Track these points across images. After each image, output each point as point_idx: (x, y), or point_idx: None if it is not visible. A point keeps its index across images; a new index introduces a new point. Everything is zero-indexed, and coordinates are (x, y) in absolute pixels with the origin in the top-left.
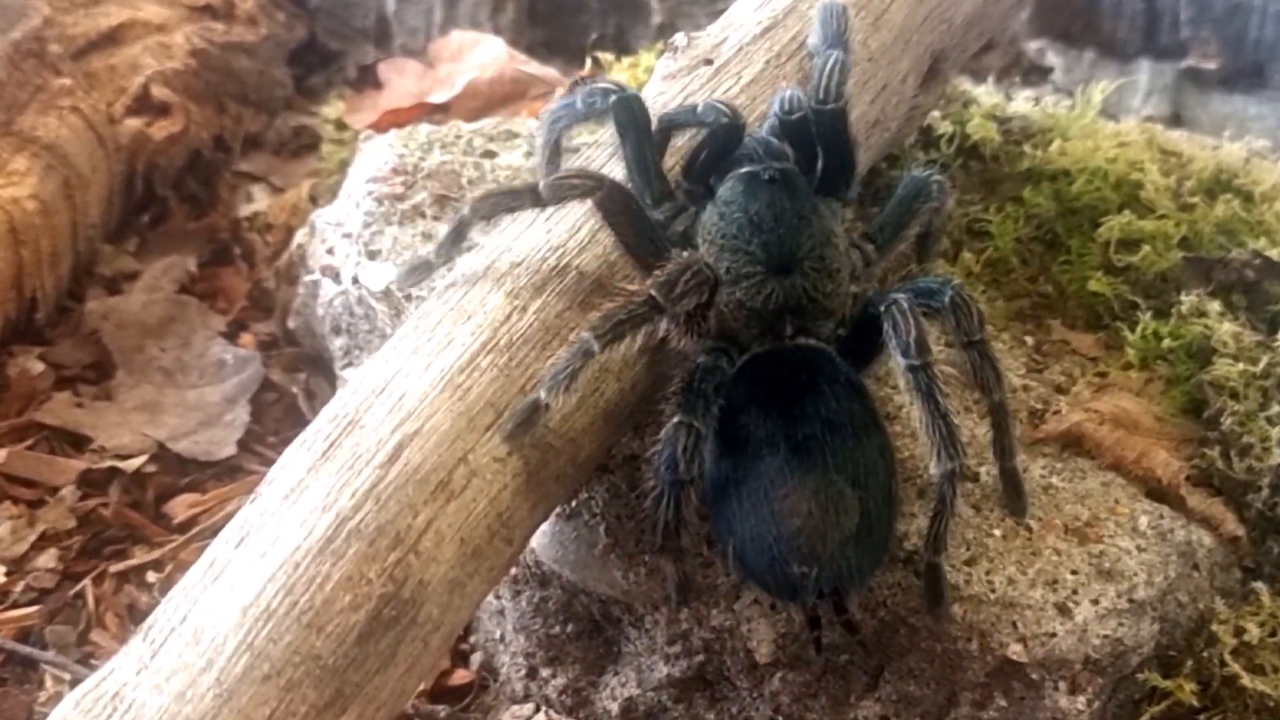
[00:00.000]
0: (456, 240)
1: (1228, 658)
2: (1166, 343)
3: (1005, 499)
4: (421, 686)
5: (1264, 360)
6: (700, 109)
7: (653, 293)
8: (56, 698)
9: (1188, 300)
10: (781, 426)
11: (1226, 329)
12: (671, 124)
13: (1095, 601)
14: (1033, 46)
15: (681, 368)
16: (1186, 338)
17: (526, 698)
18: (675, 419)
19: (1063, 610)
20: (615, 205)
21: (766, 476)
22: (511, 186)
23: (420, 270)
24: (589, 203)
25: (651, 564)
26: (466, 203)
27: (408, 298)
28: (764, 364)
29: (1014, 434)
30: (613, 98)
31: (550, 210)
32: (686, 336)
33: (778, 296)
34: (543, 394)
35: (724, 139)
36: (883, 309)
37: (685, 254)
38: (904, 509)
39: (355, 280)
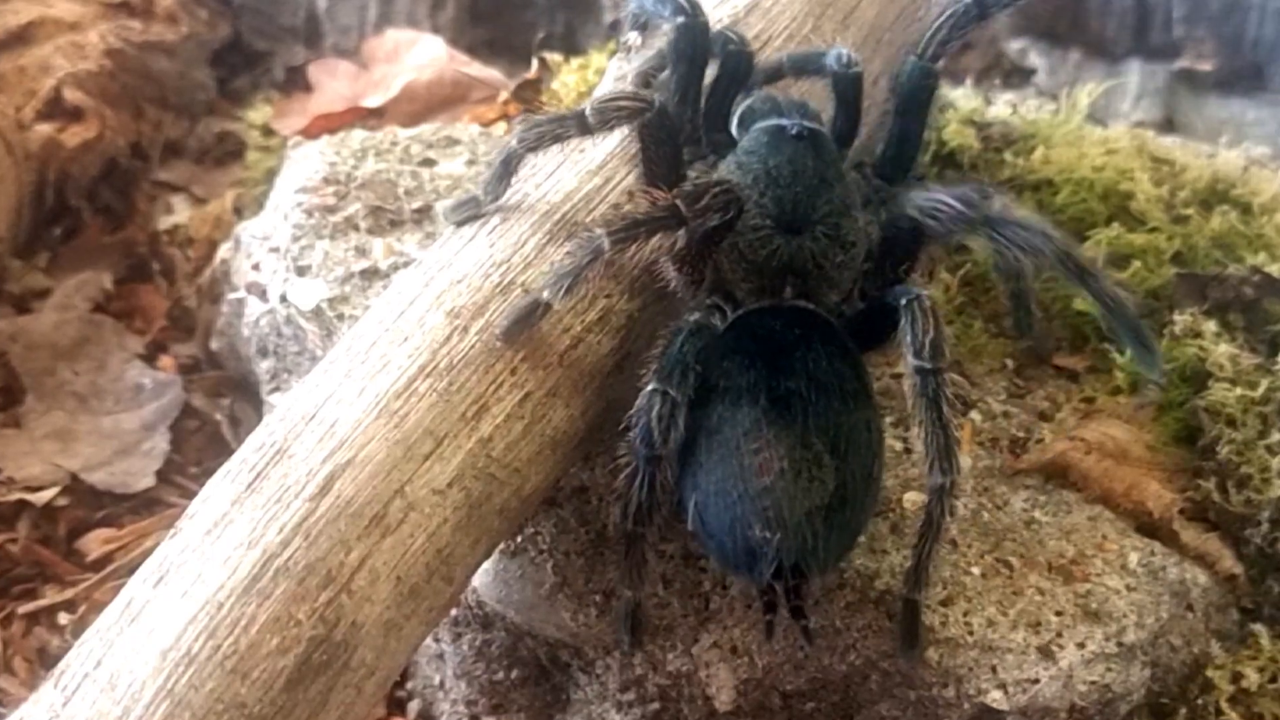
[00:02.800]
0: (505, 175)
1: (1224, 705)
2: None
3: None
4: None
5: (1263, 384)
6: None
7: (677, 201)
8: None
9: (1181, 320)
10: (764, 377)
11: (1223, 351)
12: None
13: (1081, 645)
14: (1014, 46)
15: (665, 331)
16: (1180, 360)
17: None
18: (650, 386)
19: (1046, 654)
20: (659, 132)
21: (740, 427)
22: (558, 113)
23: (468, 206)
24: (624, 130)
25: (603, 604)
26: (514, 134)
27: (339, 316)
28: (755, 317)
29: (1032, 308)
30: (680, 19)
31: (494, 223)
32: (683, 278)
33: (782, 255)
34: (545, 293)
35: (738, 70)
36: (904, 302)
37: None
38: (876, 545)
39: (283, 298)
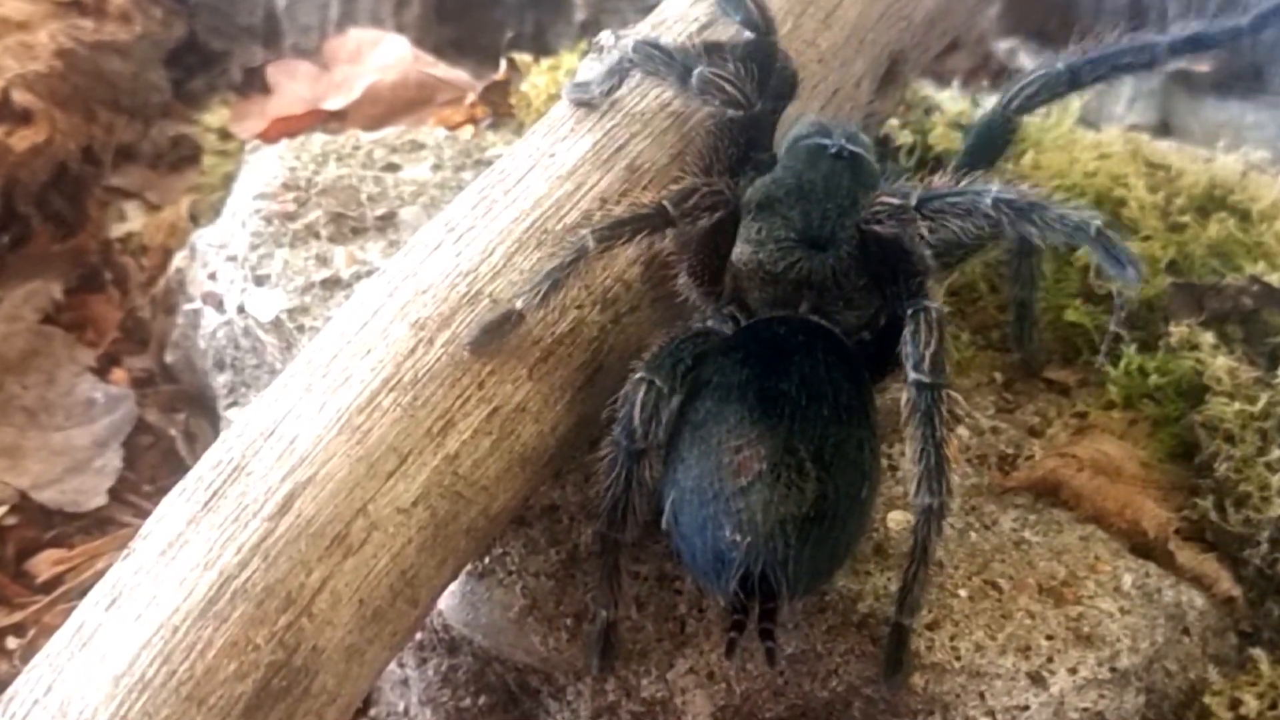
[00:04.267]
0: (618, 73)
1: None
2: (1153, 379)
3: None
4: None
5: (1263, 399)
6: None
7: (664, 201)
8: None
9: (1177, 331)
10: (757, 375)
11: (1221, 364)
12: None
13: (1073, 670)
14: (1003, 46)
15: (667, 329)
16: (1176, 373)
17: None
18: (637, 374)
19: (1036, 680)
20: (742, 132)
21: (725, 423)
22: (673, 51)
23: (581, 90)
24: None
25: (574, 628)
26: (631, 40)
27: (299, 328)
28: (763, 323)
29: (1034, 323)
30: (750, 35)
31: (460, 233)
32: (700, 291)
33: (802, 269)
34: (519, 302)
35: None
36: (910, 311)
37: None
38: (859, 566)
39: (241, 309)
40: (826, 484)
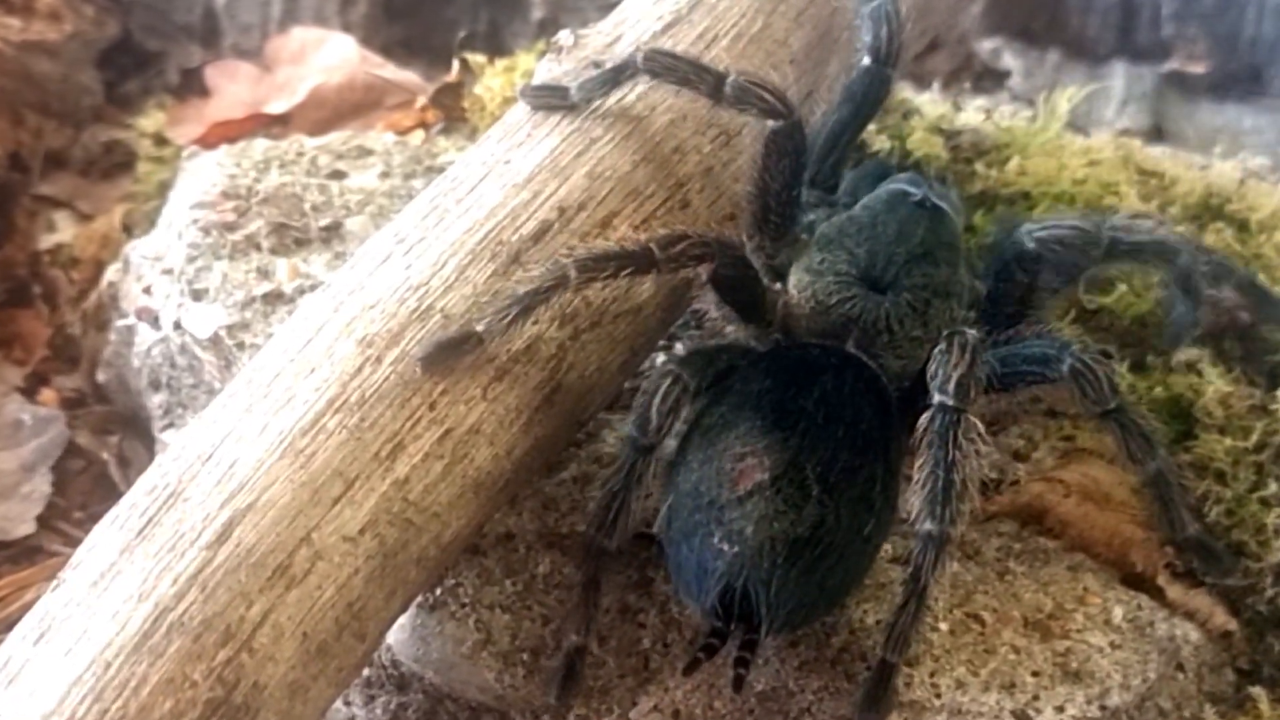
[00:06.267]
0: (611, 82)
1: None
2: (1146, 400)
3: (1200, 565)
4: None
5: (1258, 429)
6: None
7: (651, 244)
8: None
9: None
10: (777, 388)
11: (1212, 393)
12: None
13: (1060, 709)
14: (986, 46)
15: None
16: (1174, 389)
17: None
18: (665, 365)
19: (1022, 719)
20: (786, 145)
21: (735, 429)
22: (700, 62)
23: (552, 95)
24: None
25: (530, 664)
26: (640, 50)
27: (239, 345)
28: (800, 345)
29: (1182, 502)
30: (868, 61)
31: (410, 245)
32: (748, 329)
33: (854, 306)
34: (480, 325)
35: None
36: (945, 335)
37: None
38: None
39: (177, 325)
40: (828, 509)
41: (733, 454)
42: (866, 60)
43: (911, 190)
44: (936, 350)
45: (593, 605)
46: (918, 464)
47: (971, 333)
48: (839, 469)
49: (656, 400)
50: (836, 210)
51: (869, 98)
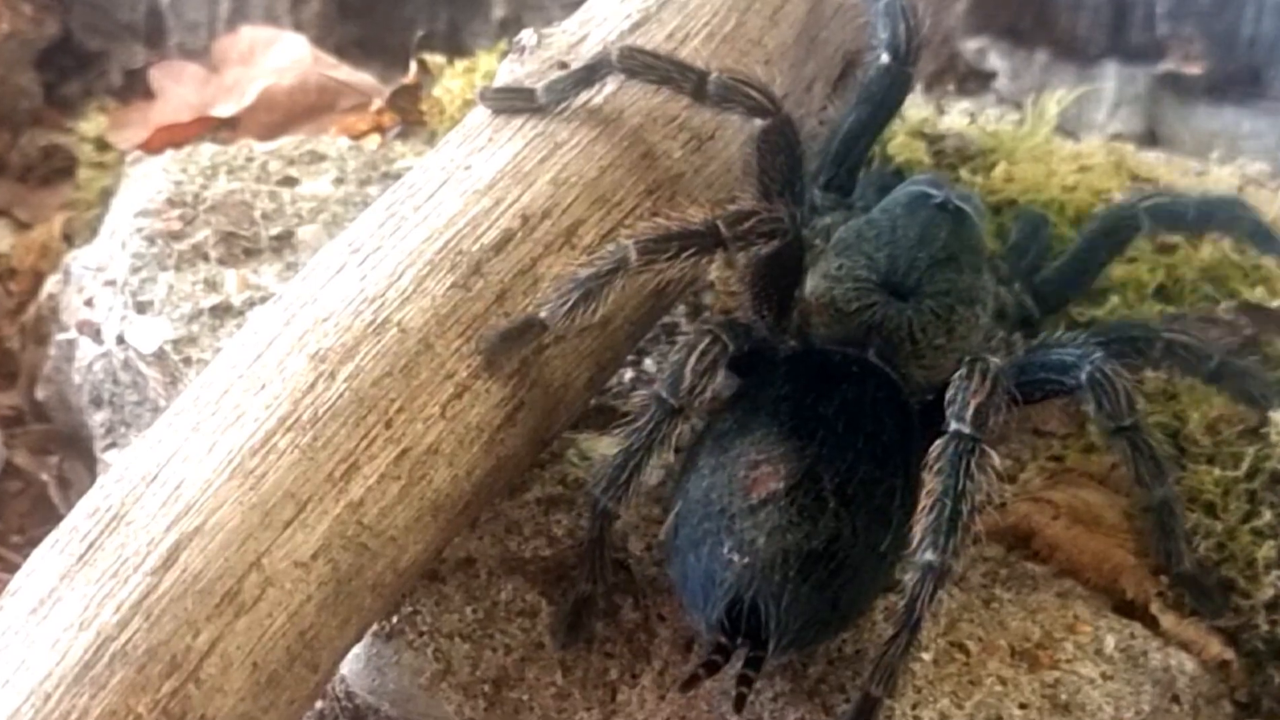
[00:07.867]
0: (584, 82)
1: None
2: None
3: (1192, 602)
4: None
5: (1249, 454)
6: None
7: (718, 221)
8: None
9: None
10: (797, 394)
11: (1196, 420)
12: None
13: None
14: (971, 46)
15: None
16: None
17: None
18: (703, 323)
19: None
20: (778, 142)
21: (750, 435)
22: (681, 60)
23: (516, 97)
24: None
25: (492, 695)
26: (615, 48)
27: (186, 361)
28: (820, 352)
29: (1182, 535)
30: (887, 59)
31: (365, 255)
32: (766, 323)
33: (875, 313)
34: (544, 311)
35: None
36: (967, 360)
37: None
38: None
39: (120, 339)
40: (844, 522)
41: (747, 461)
42: (885, 58)
43: (932, 192)
44: (956, 375)
45: (600, 561)
46: (925, 490)
47: (994, 360)
48: (857, 481)
49: (693, 359)
50: (853, 214)
51: (889, 97)
